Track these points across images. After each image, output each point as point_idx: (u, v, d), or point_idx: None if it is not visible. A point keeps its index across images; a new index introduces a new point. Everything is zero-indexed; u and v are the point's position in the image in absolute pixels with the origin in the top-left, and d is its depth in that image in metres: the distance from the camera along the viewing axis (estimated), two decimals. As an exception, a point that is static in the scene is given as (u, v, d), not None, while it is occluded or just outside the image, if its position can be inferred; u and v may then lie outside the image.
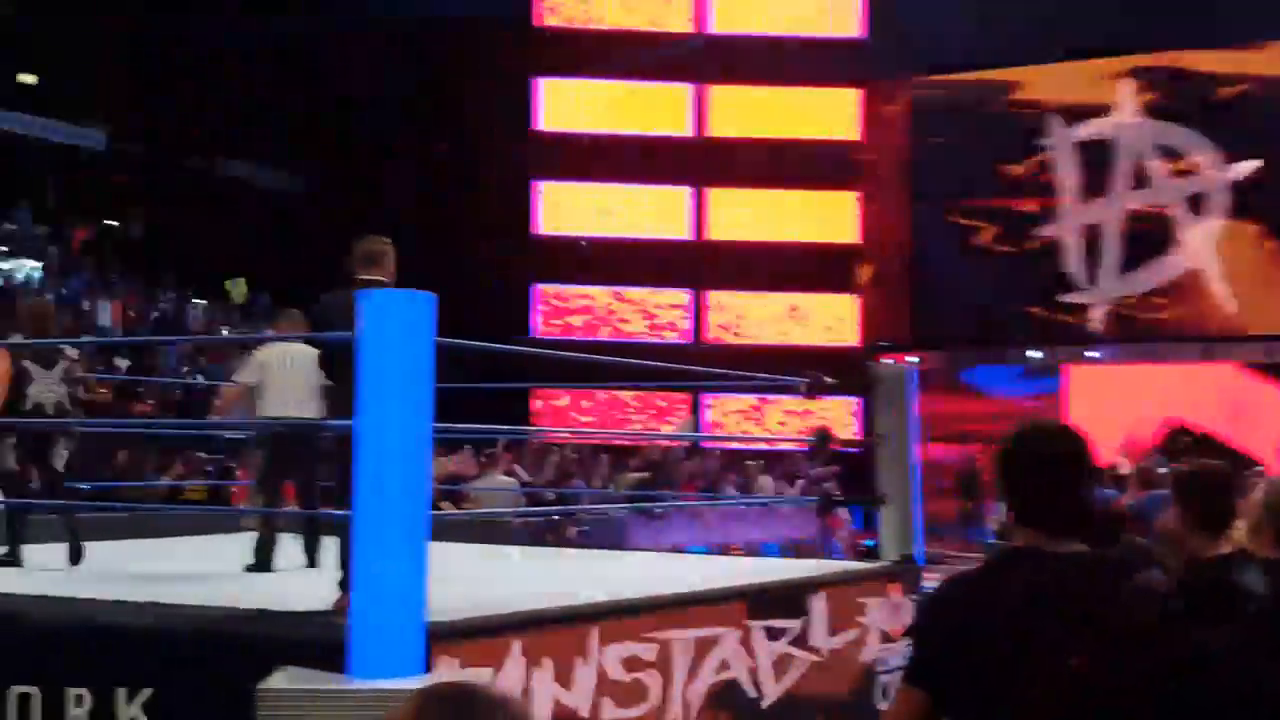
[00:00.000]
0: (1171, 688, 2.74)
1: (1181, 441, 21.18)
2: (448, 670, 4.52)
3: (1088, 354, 24.21)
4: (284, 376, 7.59)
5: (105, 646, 4.88)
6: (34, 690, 4.79)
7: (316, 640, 4.69)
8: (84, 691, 4.73)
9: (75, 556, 7.35)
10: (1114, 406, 22.24)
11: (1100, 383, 23.69)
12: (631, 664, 5.43)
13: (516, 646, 4.88)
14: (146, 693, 4.66)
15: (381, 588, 4.43)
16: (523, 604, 5.45)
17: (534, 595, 5.90)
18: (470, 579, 6.52)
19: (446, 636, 4.64)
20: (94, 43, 25.67)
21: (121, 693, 4.68)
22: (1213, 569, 3.76)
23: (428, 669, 4.45)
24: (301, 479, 7.79)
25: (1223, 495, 3.93)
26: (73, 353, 7.62)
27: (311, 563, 7.51)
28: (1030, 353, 24.60)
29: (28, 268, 22.07)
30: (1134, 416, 21.71)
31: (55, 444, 7.61)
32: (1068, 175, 24.03)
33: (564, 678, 5.08)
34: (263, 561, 7.59)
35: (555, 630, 5.19)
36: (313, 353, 6.66)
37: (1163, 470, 10.59)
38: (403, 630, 4.43)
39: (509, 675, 4.80)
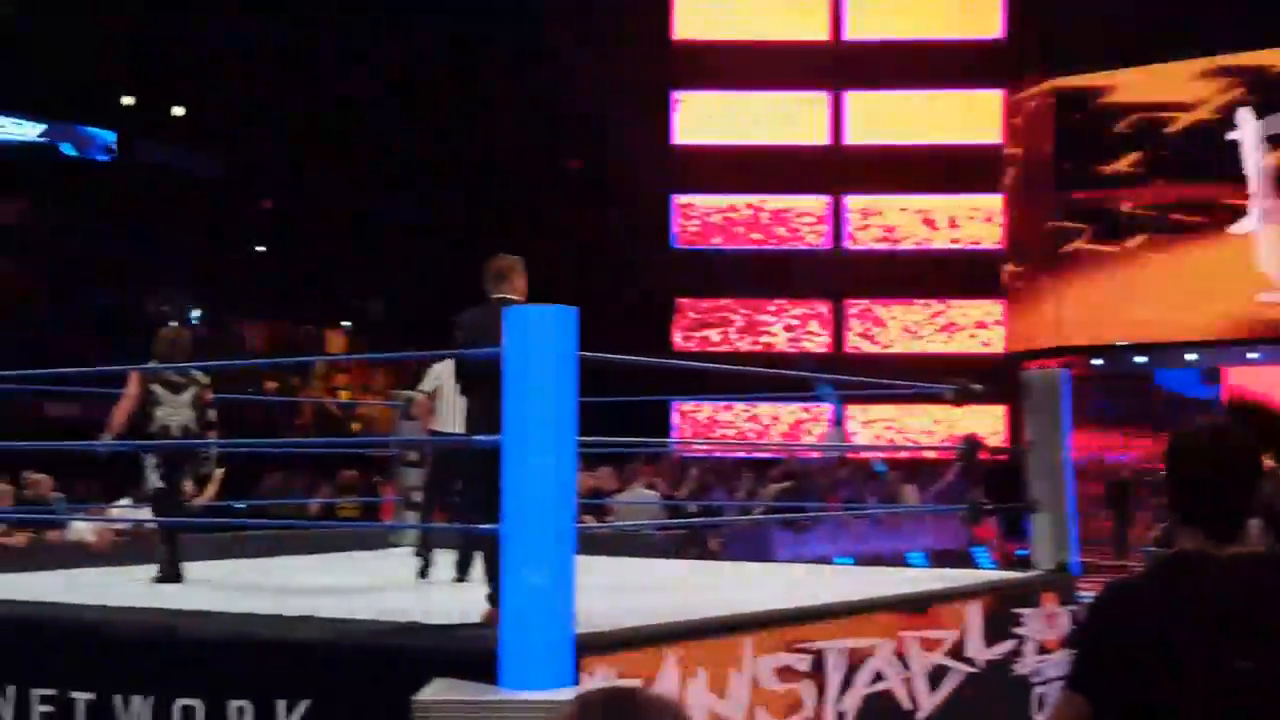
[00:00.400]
0: None
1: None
2: (599, 681, 4.53)
3: (1249, 356, 23.29)
4: (447, 393, 7.77)
5: (266, 659, 4.98)
6: (197, 703, 4.92)
7: (468, 652, 4.74)
8: (245, 703, 4.83)
9: (167, 576, 7.54)
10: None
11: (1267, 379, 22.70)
12: (785, 674, 5.38)
13: (670, 657, 4.88)
14: (305, 704, 4.75)
15: (530, 600, 4.46)
16: (674, 614, 5.44)
17: (684, 606, 5.89)
18: (618, 591, 6.54)
19: (597, 647, 4.66)
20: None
21: (281, 704, 4.77)
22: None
23: (578, 680, 4.47)
24: (455, 494, 7.95)
25: None
26: (203, 378, 7.83)
27: (462, 576, 7.62)
28: (1188, 355, 23.79)
29: (172, 295, 22.77)
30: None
31: (183, 466, 7.84)
32: (1256, 168, 22.96)
33: (718, 688, 5.06)
34: (422, 570, 7.84)
35: (708, 640, 5.17)
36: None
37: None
38: (552, 641, 4.46)
39: (663, 685, 4.79)
